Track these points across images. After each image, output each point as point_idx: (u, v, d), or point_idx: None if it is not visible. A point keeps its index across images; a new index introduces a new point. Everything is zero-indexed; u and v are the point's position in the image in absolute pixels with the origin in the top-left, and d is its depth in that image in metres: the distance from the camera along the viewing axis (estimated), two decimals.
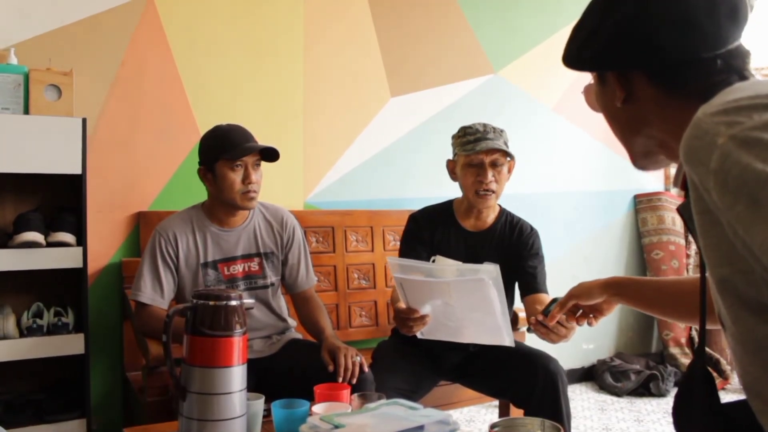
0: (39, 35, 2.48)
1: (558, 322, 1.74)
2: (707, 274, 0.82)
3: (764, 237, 0.63)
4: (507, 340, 1.83)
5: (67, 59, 2.46)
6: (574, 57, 0.98)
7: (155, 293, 2.09)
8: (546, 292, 2.19)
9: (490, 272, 1.69)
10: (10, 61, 2.29)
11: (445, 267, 1.90)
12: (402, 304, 1.89)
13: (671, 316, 1.42)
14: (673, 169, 4.22)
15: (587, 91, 1.07)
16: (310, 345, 2.18)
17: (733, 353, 0.79)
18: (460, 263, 1.96)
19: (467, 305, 1.80)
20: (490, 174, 2.14)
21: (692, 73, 0.86)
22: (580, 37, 0.97)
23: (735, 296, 0.74)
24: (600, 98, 0.99)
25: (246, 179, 2.08)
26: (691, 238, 4.09)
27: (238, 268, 2.18)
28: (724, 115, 0.70)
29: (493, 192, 2.16)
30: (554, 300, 1.74)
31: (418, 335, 1.92)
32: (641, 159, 1.00)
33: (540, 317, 1.76)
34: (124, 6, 2.63)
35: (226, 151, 2.05)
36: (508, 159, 2.19)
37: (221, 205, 2.14)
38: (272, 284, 2.22)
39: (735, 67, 0.86)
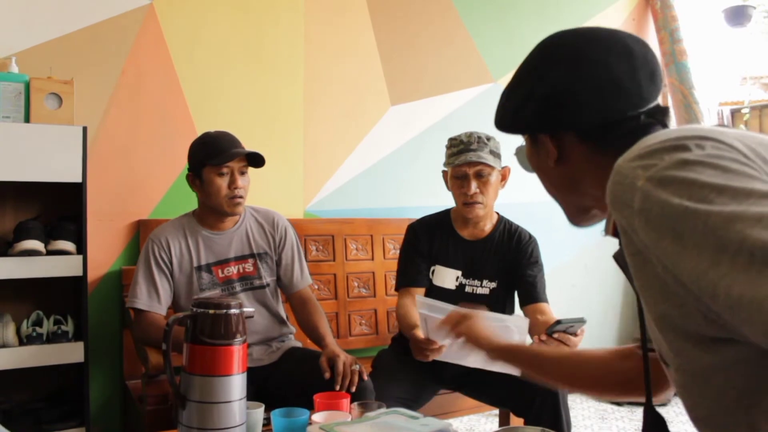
0: (40, 44, 2.49)
1: (560, 341, 1.75)
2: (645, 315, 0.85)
3: (691, 267, 0.66)
4: (515, 372, 1.84)
5: (68, 68, 2.47)
6: (508, 122, 1.03)
7: (152, 300, 2.11)
8: (546, 301, 2.19)
9: (519, 327, 1.71)
10: (11, 70, 2.30)
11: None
12: (420, 334, 1.90)
13: (574, 389, 1.45)
14: None
15: (519, 152, 1.13)
16: (310, 354, 2.17)
17: (681, 388, 0.80)
18: (490, 313, 1.93)
19: None
20: (473, 185, 2.14)
21: (620, 130, 0.92)
22: (512, 103, 1.01)
23: (675, 331, 0.76)
24: (533, 159, 1.04)
25: (232, 184, 2.10)
26: None
27: (233, 269, 2.20)
28: (639, 160, 0.75)
29: (480, 203, 2.16)
30: (559, 321, 1.76)
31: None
32: (576, 215, 1.06)
33: (544, 337, 1.77)
34: (125, 15, 2.64)
35: (212, 156, 2.08)
36: (500, 168, 2.19)
37: (210, 210, 2.16)
38: (268, 284, 2.23)
39: (659, 120, 0.93)
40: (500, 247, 2.24)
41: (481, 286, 2.20)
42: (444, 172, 2.28)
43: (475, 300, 2.19)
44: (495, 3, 3.59)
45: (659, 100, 0.95)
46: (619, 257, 0.88)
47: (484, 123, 3.13)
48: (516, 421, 2.32)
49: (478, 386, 2.23)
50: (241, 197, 2.12)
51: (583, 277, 3.87)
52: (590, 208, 1.03)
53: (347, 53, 3.14)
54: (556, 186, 1.03)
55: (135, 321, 2.15)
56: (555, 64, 0.97)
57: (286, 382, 2.08)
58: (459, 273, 2.21)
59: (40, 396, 2.40)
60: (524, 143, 1.06)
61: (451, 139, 2.22)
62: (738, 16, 4.00)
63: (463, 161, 2.13)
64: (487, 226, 2.26)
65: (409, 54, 3.31)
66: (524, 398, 2.05)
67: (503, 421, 2.56)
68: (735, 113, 4.34)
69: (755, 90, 4.43)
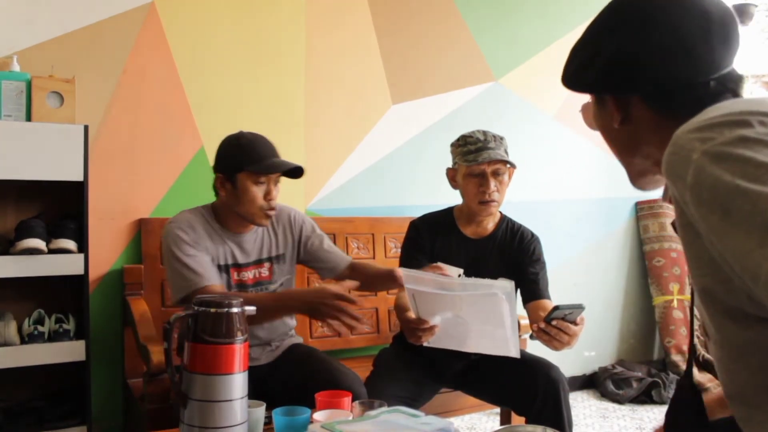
0: (42, 42, 2.49)
1: (559, 329, 1.74)
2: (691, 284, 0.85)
3: (735, 245, 0.66)
4: (513, 351, 1.83)
5: (69, 66, 2.47)
6: (573, 79, 1.02)
7: (203, 275, 1.90)
8: (548, 298, 2.18)
9: (504, 288, 1.70)
10: (12, 69, 2.30)
11: (459, 281, 1.90)
12: (411, 314, 1.90)
13: None
14: None
15: (585, 109, 1.08)
16: (311, 352, 2.17)
17: (718, 362, 0.81)
18: (471, 279, 1.95)
19: (478, 318, 1.81)
20: (492, 184, 2.14)
21: (687, 97, 0.89)
22: (579, 61, 1.00)
23: (717, 305, 0.76)
24: (598, 118, 1.02)
25: (267, 195, 1.99)
26: None
27: (249, 274, 2.10)
28: (698, 132, 0.74)
29: (496, 201, 2.16)
30: (556, 307, 1.74)
31: (425, 344, 1.92)
32: (638, 178, 1.03)
33: (542, 324, 1.77)
34: (126, 13, 2.64)
35: (252, 163, 1.95)
36: (509, 166, 2.19)
37: (234, 214, 2.04)
38: (282, 284, 2.17)
39: (729, 88, 0.89)
40: (503, 246, 2.24)
41: None
42: (449, 169, 2.26)
43: None
44: (496, 2, 3.58)
45: (733, 66, 0.91)
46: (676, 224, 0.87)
47: (486, 121, 3.16)
48: (517, 420, 2.32)
49: (479, 385, 2.23)
50: (273, 210, 2.03)
51: (584, 276, 3.87)
52: (652, 172, 1.00)
53: (349, 52, 3.14)
54: (619, 147, 1.01)
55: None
56: (623, 25, 0.93)
57: (287, 381, 2.07)
58: (461, 271, 2.20)
59: (42, 394, 2.41)
60: (589, 100, 1.04)
61: (465, 137, 2.19)
62: (740, 14, 3.99)
63: (486, 159, 2.10)
64: (490, 225, 2.26)
65: (410, 53, 3.31)
66: (525, 397, 2.05)
67: (504, 419, 2.56)
68: None
69: (757, 89, 4.42)
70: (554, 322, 1.77)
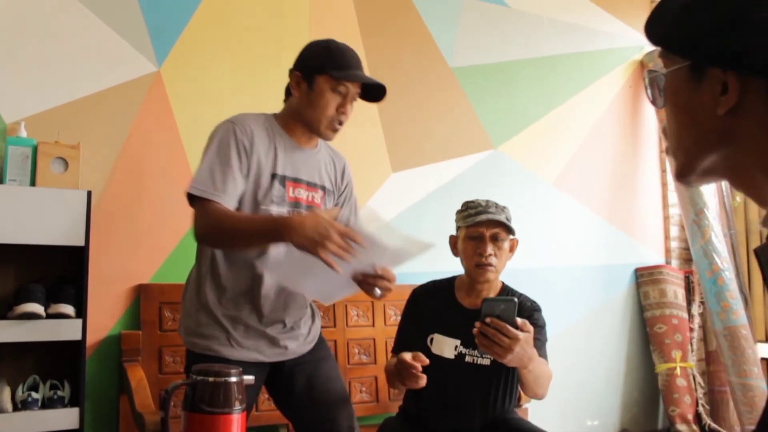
0: (49, 109, 2.53)
1: (497, 329, 1.70)
2: None
3: None
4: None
5: (75, 132, 2.51)
6: (676, 34, 0.75)
7: (224, 188, 1.78)
8: (543, 356, 2.14)
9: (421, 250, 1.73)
10: (20, 134, 2.34)
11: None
12: (407, 356, 1.89)
13: None
14: (672, 242, 4.24)
15: (654, 78, 0.83)
16: (341, 391, 2.07)
17: None
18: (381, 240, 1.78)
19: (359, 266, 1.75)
20: (490, 247, 2.15)
21: None
22: (697, 15, 0.73)
23: None
24: (681, 93, 0.78)
25: (341, 107, 1.89)
26: (694, 311, 4.06)
27: (303, 194, 1.94)
28: None
29: (493, 266, 2.16)
30: (484, 300, 1.74)
31: (265, 271, 1.85)
32: (695, 175, 0.81)
33: (478, 325, 1.74)
34: (133, 81, 2.70)
35: (336, 68, 1.85)
36: (510, 237, 2.20)
37: (300, 120, 1.93)
38: None
39: None
40: None
41: (481, 356, 2.17)
42: (452, 237, 2.28)
43: (477, 372, 2.15)
44: (494, 72, 3.67)
45: None
46: (762, 252, 0.75)
47: (486, 189, 3.19)
48: None
49: None
50: (341, 125, 1.92)
51: (585, 343, 3.84)
52: (720, 177, 0.80)
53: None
54: (699, 137, 0.77)
55: (197, 215, 1.80)
56: None
57: (308, 409, 1.99)
58: (458, 342, 2.18)
59: None
60: (661, 68, 0.81)
61: (467, 203, 2.24)
62: None
63: (484, 219, 2.14)
64: (490, 295, 2.25)
65: (409, 121, 3.36)
66: None
67: None
68: None
69: None
70: (488, 320, 1.73)
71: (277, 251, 1.76)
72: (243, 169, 1.83)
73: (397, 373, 1.96)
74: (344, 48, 1.92)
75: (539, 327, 2.20)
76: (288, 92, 1.98)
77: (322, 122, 1.89)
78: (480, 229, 2.15)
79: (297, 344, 2.02)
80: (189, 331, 1.95)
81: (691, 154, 0.79)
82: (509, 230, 2.17)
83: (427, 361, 1.90)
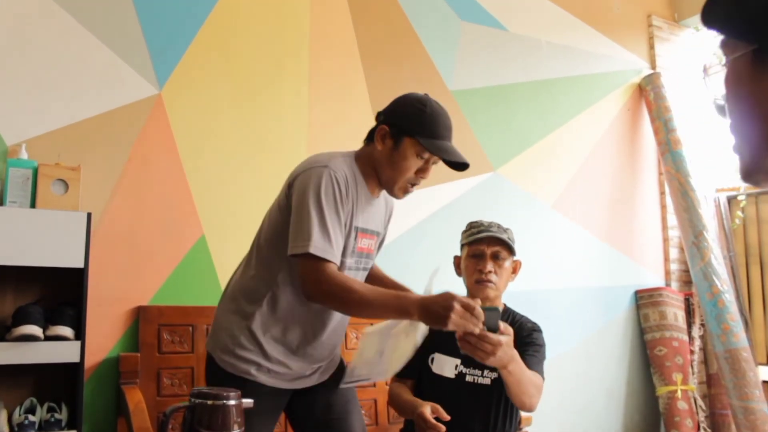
0: (50, 131, 2.54)
1: (484, 340, 1.70)
2: None
3: None
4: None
5: (75, 154, 2.52)
6: (744, 11, 0.68)
7: (338, 249, 1.73)
8: (539, 372, 2.13)
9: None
10: (21, 156, 2.35)
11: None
12: (426, 410, 1.91)
13: None
14: (672, 264, 4.24)
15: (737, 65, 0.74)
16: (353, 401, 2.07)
17: None
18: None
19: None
20: (490, 264, 2.17)
21: None
22: None
23: None
24: (746, 84, 0.71)
25: (421, 172, 1.84)
26: (694, 333, 4.05)
27: (365, 243, 1.92)
28: None
29: (493, 283, 2.16)
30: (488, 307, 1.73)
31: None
32: (764, 173, 0.74)
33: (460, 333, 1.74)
34: (133, 104, 2.71)
35: (427, 136, 1.79)
36: (513, 258, 2.21)
37: (374, 172, 1.87)
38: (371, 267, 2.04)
39: None
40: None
41: (482, 375, 2.17)
42: (456, 257, 2.30)
43: (478, 391, 2.15)
44: (493, 95, 3.69)
45: None
46: None
47: (485, 211, 3.19)
48: None
49: None
50: (414, 186, 1.87)
51: (585, 366, 3.82)
52: None
53: (350, 141, 3.19)
54: (763, 131, 0.70)
55: (313, 274, 1.71)
56: None
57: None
58: (458, 361, 2.18)
59: None
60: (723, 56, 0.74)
61: (471, 223, 2.28)
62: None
63: (485, 236, 2.17)
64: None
65: None
66: None
67: None
68: (731, 200, 4.39)
69: None
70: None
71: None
72: (341, 224, 1.78)
73: (417, 427, 1.97)
74: (439, 113, 1.84)
75: (537, 345, 2.20)
76: (370, 136, 1.92)
77: (398, 183, 1.85)
78: (481, 246, 2.18)
79: (320, 374, 2.02)
80: (225, 350, 1.88)
81: (758, 151, 0.72)
82: (510, 249, 2.18)
83: (447, 417, 1.91)
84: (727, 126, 0.75)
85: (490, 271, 2.16)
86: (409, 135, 1.80)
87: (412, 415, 2.00)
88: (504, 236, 2.18)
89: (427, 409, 1.94)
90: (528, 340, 2.20)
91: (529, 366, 2.11)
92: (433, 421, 1.90)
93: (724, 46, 0.73)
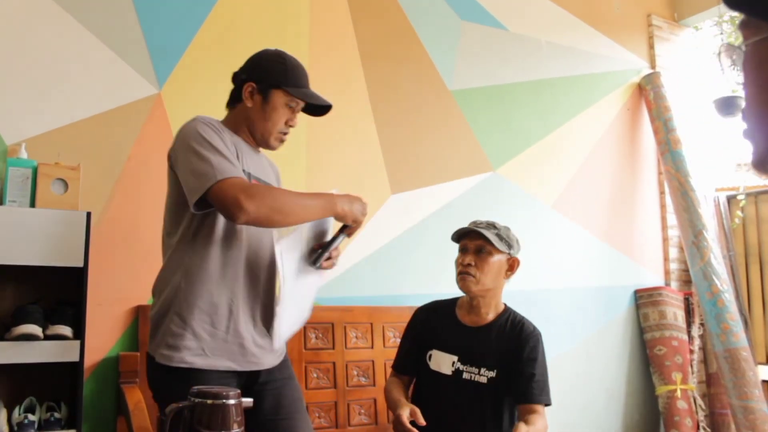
0: (49, 131, 2.54)
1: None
2: None
3: None
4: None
5: (75, 154, 2.52)
6: None
7: (235, 165, 1.74)
8: (540, 402, 2.12)
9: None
10: (20, 156, 2.35)
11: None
12: (404, 413, 1.92)
13: None
14: (672, 264, 4.24)
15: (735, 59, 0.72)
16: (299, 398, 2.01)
17: None
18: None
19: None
20: (469, 258, 2.19)
21: None
22: None
23: None
24: (765, 68, 0.67)
25: (290, 121, 1.95)
26: (694, 333, 4.05)
27: None
28: None
29: (472, 276, 2.17)
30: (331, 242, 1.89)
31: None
32: None
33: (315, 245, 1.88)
34: (133, 104, 2.71)
35: (293, 85, 1.91)
36: (506, 254, 2.21)
37: (247, 128, 1.95)
38: None
39: None
40: (500, 336, 2.22)
41: (479, 374, 2.17)
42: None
43: (474, 389, 2.15)
44: (493, 94, 3.69)
45: None
46: None
47: (485, 211, 3.19)
48: None
49: None
50: (286, 135, 1.97)
51: (585, 365, 3.82)
52: None
53: (349, 142, 3.21)
54: None
55: (231, 195, 1.67)
56: None
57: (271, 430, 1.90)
58: (455, 358, 2.19)
59: None
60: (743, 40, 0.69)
61: (470, 222, 2.30)
62: (728, 106, 4.11)
63: (468, 231, 2.22)
64: (490, 315, 2.25)
65: (409, 143, 3.38)
66: None
67: None
68: (731, 199, 4.39)
69: (750, 176, 4.50)
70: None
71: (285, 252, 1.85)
72: (235, 157, 1.81)
73: (393, 428, 1.99)
74: (297, 63, 1.97)
75: (535, 360, 2.18)
76: (233, 100, 1.98)
77: (273, 134, 1.94)
78: (465, 241, 2.23)
79: (271, 356, 1.94)
80: (161, 343, 1.80)
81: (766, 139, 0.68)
82: (496, 245, 2.17)
83: (423, 422, 1.93)
84: (742, 110, 0.70)
85: (469, 264, 2.18)
86: (277, 87, 1.90)
87: (394, 414, 2.01)
88: (488, 232, 2.18)
89: (406, 411, 1.94)
90: (532, 355, 2.18)
91: (536, 398, 2.11)
92: (409, 426, 1.90)
93: (746, 27, 0.67)
